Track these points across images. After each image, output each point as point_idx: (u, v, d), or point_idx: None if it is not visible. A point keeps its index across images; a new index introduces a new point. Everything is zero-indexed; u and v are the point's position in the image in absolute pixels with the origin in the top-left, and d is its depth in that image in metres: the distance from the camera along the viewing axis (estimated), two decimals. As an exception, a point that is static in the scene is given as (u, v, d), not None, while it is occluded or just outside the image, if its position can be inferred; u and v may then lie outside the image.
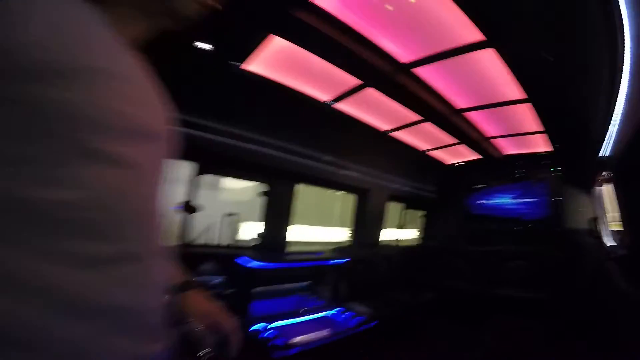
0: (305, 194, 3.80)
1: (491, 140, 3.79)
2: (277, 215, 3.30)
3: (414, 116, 3.08)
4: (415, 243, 5.77)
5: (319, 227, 7.74)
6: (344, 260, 3.41)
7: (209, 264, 2.68)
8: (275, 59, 2.21)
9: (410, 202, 5.31)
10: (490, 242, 4.73)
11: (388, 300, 3.73)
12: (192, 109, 2.38)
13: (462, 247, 4.83)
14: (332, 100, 2.79)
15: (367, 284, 3.91)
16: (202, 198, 2.86)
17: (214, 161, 2.85)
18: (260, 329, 2.48)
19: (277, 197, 3.29)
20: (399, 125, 3.31)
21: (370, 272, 3.96)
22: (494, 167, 4.85)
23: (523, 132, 3.51)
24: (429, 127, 3.31)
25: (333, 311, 3.20)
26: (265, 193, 3.25)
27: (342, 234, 6.91)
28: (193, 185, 2.76)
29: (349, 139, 3.50)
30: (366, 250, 4.14)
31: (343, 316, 3.10)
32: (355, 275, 3.47)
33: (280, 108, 2.81)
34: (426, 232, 5.72)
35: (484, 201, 5.17)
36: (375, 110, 2.99)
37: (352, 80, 2.46)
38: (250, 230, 3.74)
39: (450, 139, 3.70)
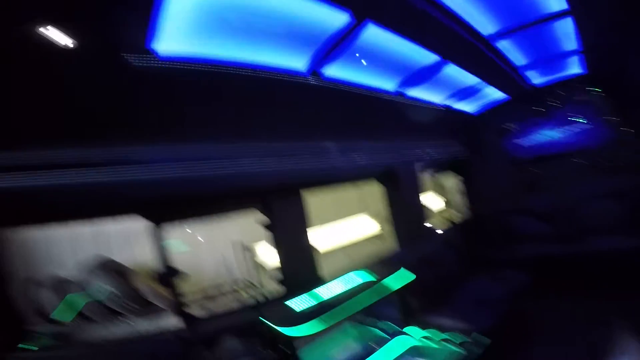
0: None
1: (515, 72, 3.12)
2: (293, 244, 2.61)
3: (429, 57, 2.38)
4: (468, 216, 4.98)
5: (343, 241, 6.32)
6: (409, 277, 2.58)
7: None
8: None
9: (446, 168, 4.66)
10: (554, 186, 4.11)
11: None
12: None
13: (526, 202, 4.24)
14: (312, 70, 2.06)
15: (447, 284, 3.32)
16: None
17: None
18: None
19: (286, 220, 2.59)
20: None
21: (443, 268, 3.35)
22: (526, 101, 4.20)
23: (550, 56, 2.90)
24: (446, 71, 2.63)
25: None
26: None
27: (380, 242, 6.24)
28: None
29: (347, 112, 2.78)
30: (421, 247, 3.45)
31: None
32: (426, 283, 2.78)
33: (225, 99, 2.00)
34: (475, 198, 4.96)
35: (526, 141, 4.45)
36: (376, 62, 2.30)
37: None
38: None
39: (472, 80, 3.00)
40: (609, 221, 3.60)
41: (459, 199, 5.13)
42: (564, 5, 1.99)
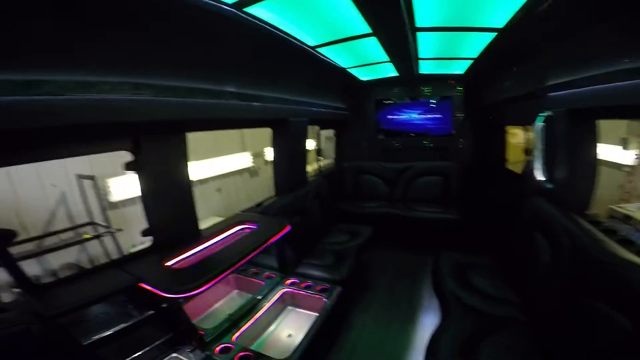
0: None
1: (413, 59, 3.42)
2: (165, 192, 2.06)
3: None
4: (333, 166, 5.56)
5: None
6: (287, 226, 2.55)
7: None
8: None
9: (326, 123, 4.93)
10: (402, 158, 5.03)
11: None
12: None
13: (376, 164, 5.09)
14: None
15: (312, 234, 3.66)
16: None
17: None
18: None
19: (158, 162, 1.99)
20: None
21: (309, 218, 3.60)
22: (406, 84, 4.82)
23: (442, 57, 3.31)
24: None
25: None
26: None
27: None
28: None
29: (257, 56, 2.42)
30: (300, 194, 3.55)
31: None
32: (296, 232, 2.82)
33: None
34: (344, 153, 5.54)
35: (394, 116, 5.16)
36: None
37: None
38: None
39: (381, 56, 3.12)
40: (429, 193, 4.77)
41: (331, 153, 5.64)
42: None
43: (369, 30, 2.26)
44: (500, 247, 3.07)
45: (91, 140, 1.67)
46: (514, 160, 4.14)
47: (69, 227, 3.49)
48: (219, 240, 2.39)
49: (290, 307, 2.79)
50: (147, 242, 2.09)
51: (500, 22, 2.02)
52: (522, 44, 2.39)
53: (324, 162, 5.31)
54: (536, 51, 2.42)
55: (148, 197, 1.94)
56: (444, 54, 3.12)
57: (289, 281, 2.84)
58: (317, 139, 5.18)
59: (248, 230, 2.51)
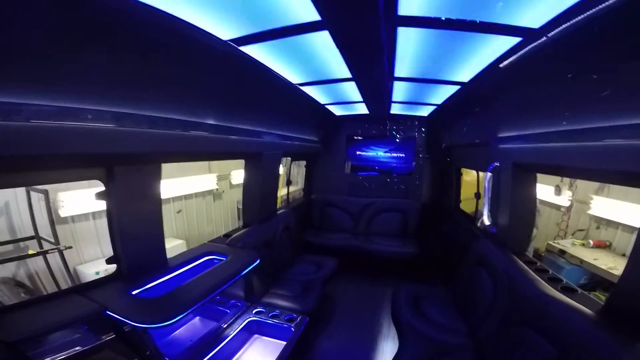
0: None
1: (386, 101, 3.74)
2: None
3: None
4: (301, 196, 5.70)
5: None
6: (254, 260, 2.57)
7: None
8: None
9: (298, 155, 5.08)
10: (366, 193, 5.30)
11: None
12: None
13: (343, 198, 5.27)
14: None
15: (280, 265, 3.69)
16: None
17: None
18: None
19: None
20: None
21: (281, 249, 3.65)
22: (376, 122, 5.20)
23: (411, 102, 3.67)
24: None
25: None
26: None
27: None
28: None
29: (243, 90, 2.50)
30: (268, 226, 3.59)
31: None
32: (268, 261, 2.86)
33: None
34: (313, 185, 5.69)
35: (362, 152, 5.48)
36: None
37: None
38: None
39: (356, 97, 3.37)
40: (389, 228, 5.04)
41: (301, 184, 5.79)
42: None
43: (349, 75, 2.48)
44: (452, 281, 3.35)
45: (64, 168, 1.62)
46: (467, 197, 4.52)
47: (9, 240, 3.17)
48: (186, 271, 2.38)
49: (256, 336, 2.76)
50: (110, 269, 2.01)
51: (465, 77, 2.35)
52: (480, 98, 2.72)
53: (293, 188, 5.42)
54: (491, 105, 2.76)
55: (116, 226, 1.88)
56: (413, 99, 3.45)
57: (255, 310, 2.82)
58: (288, 168, 5.30)
59: (216, 262, 2.50)
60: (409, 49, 1.92)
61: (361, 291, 4.42)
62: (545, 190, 4.66)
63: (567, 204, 4.48)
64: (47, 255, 3.32)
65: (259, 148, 3.16)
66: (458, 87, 2.60)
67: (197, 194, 5.56)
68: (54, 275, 3.43)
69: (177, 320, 1.70)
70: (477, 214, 3.99)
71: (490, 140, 2.85)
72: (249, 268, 2.44)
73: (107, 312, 1.67)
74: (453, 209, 4.64)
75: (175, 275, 2.25)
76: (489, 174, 2.83)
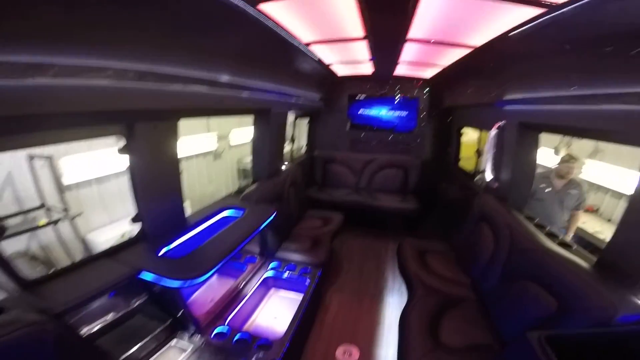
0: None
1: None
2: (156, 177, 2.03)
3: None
4: (305, 155, 5.69)
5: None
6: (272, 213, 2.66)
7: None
8: None
9: (302, 113, 5.04)
10: (368, 150, 5.42)
11: None
12: None
13: (345, 155, 5.42)
14: None
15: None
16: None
17: None
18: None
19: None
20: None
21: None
22: (379, 82, 5.14)
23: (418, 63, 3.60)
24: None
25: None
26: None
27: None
28: None
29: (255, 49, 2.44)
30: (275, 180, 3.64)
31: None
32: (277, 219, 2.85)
33: None
34: (315, 142, 5.71)
35: (364, 111, 5.43)
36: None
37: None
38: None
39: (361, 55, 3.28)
40: (391, 184, 5.17)
41: (304, 141, 5.80)
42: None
43: (362, 34, 2.40)
44: (453, 235, 3.54)
45: (87, 126, 1.60)
46: (466, 156, 4.68)
47: (18, 212, 3.15)
48: (206, 228, 2.44)
49: (273, 290, 2.94)
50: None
51: (478, 42, 2.31)
52: (490, 61, 2.72)
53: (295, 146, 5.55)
54: (500, 69, 2.77)
55: (138, 183, 1.91)
56: (421, 60, 3.39)
57: (271, 265, 2.97)
58: (292, 125, 5.28)
59: (233, 217, 2.58)
60: (430, 11, 1.85)
61: (365, 246, 4.66)
62: (539, 152, 4.80)
63: (556, 165, 4.62)
64: (59, 225, 3.33)
65: (268, 104, 3.17)
66: (468, 50, 2.58)
67: (198, 154, 5.57)
68: (66, 245, 3.47)
69: (207, 277, 1.79)
70: (476, 172, 4.15)
71: (497, 102, 2.91)
72: (267, 221, 2.53)
73: (141, 274, 1.72)
74: (453, 166, 4.76)
75: (196, 234, 2.32)
76: (493, 132, 2.93)
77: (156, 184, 2.00)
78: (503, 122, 2.84)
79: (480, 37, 2.20)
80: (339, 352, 2.67)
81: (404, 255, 3.24)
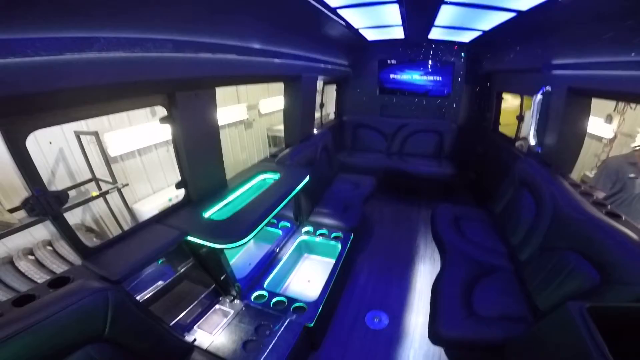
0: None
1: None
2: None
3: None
4: (335, 120, 5.63)
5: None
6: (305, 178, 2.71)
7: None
8: None
9: (331, 79, 4.96)
10: (400, 115, 5.30)
11: None
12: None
13: (376, 119, 5.33)
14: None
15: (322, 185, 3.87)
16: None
17: None
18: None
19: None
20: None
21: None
22: (412, 47, 4.89)
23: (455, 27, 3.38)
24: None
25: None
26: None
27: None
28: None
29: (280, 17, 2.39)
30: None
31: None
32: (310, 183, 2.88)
33: None
34: (344, 108, 5.64)
35: (396, 76, 5.23)
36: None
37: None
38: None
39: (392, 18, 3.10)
40: (424, 149, 5.04)
41: (333, 108, 5.74)
42: None
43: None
44: (490, 202, 3.43)
45: (129, 97, 1.67)
46: (505, 123, 4.43)
47: (71, 185, 3.43)
48: (245, 191, 2.55)
49: (306, 255, 3.06)
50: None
51: (525, 5, 2.11)
52: (536, 25, 2.51)
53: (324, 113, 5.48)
54: (548, 33, 2.55)
55: (181, 150, 1.99)
56: (457, 24, 3.17)
57: (304, 229, 3.07)
58: (322, 91, 5.25)
59: (270, 180, 2.68)
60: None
61: (397, 211, 4.66)
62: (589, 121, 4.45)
63: (611, 135, 4.24)
64: (107, 197, 3.58)
65: (298, 70, 3.16)
66: (512, 14, 2.37)
67: (230, 124, 5.69)
68: (116, 217, 3.76)
69: (248, 239, 1.87)
70: (517, 138, 3.96)
71: (543, 67, 2.75)
72: (302, 184, 2.60)
73: (188, 237, 1.82)
74: (492, 131, 4.53)
75: (236, 197, 2.42)
76: (539, 96, 2.76)
77: (198, 150, 2.08)
78: (548, 87, 2.69)
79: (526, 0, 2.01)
80: (369, 317, 2.77)
81: (439, 221, 3.19)
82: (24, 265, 2.77)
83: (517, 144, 3.75)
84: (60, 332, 1.16)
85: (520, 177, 2.90)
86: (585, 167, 4.59)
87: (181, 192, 2.16)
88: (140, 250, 1.66)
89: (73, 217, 3.50)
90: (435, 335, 1.99)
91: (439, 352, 2.42)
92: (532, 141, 2.93)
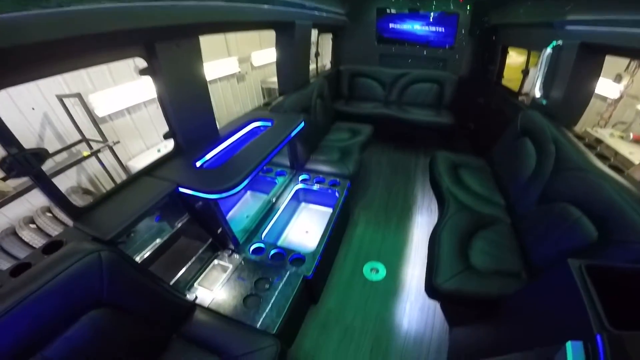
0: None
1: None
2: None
3: None
4: (331, 69, 5.39)
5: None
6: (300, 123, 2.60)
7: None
8: None
9: (326, 27, 4.65)
10: (399, 65, 5.09)
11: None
12: None
13: (374, 68, 5.12)
14: None
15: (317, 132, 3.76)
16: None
17: None
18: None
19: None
20: None
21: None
22: None
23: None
24: None
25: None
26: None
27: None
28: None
29: None
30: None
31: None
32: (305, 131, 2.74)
33: None
34: (341, 57, 5.38)
35: (395, 25, 4.92)
36: None
37: None
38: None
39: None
40: (423, 98, 4.90)
41: (330, 56, 5.45)
42: None
43: None
44: (489, 152, 3.36)
45: (105, 49, 1.52)
46: (508, 78, 4.29)
47: (61, 148, 3.35)
48: (238, 139, 2.45)
49: (304, 204, 3.05)
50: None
51: None
52: None
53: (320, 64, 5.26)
54: None
55: (166, 101, 1.88)
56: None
57: (300, 177, 3.01)
58: (317, 40, 5.04)
59: (263, 128, 2.56)
60: None
61: (395, 160, 4.63)
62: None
63: (617, 95, 4.14)
64: (100, 156, 3.52)
65: (292, 17, 2.95)
66: None
67: (221, 78, 5.55)
68: (111, 175, 3.72)
69: (242, 188, 1.79)
70: (520, 92, 3.86)
71: (556, 22, 2.66)
72: (297, 130, 2.51)
73: (180, 188, 1.75)
74: (495, 84, 4.36)
75: (228, 145, 2.33)
76: (548, 50, 2.70)
77: (185, 100, 1.96)
78: (559, 41, 2.60)
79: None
80: (366, 268, 2.83)
81: (437, 168, 3.14)
82: (27, 235, 2.79)
83: (520, 98, 3.68)
84: (57, 299, 1.13)
85: (523, 126, 2.82)
86: (586, 124, 4.54)
87: (171, 143, 2.08)
88: (131, 206, 1.60)
89: (69, 180, 3.50)
90: (431, 288, 2.00)
91: (434, 306, 2.48)
92: (537, 94, 2.88)
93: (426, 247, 2.40)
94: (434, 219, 3.35)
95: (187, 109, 2.01)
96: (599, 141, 4.01)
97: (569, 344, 0.86)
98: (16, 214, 2.99)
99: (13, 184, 2.72)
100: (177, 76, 1.86)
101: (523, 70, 3.85)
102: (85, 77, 3.43)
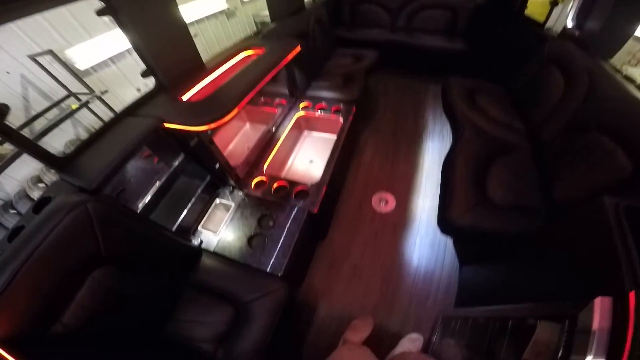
0: None
1: None
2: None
3: None
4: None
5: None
6: None
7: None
8: None
9: None
10: None
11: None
12: None
13: None
14: None
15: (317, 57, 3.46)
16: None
17: None
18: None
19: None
20: None
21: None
22: None
23: None
24: None
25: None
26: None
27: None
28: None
29: None
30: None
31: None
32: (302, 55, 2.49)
33: None
34: None
35: None
36: None
37: None
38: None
39: None
40: (435, 25, 4.40)
41: None
42: None
43: None
44: (510, 79, 3.02)
45: None
46: (531, 12, 3.68)
47: (49, 105, 3.20)
48: (227, 70, 2.21)
49: (306, 132, 2.88)
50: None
51: None
52: None
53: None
54: None
55: (135, 39, 1.64)
56: None
57: (301, 105, 2.80)
58: None
59: (255, 56, 2.29)
60: None
61: (403, 85, 4.32)
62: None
63: None
64: (91, 107, 3.39)
65: None
66: None
67: (209, 17, 5.13)
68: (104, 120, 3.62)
69: (233, 115, 1.64)
70: (546, 22, 3.33)
71: None
72: (292, 54, 2.28)
73: (165, 124, 1.60)
74: (517, 13, 3.79)
75: (217, 76, 2.11)
76: None
77: (157, 33, 1.72)
78: None
79: None
80: (375, 199, 2.71)
81: (451, 93, 2.87)
82: (37, 195, 2.78)
83: (547, 27, 3.21)
84: (53, 260, 1.04)
85: (551, 55, 2.48)
86: (616, 62, 4.01)
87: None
88: (115, 149, 1.45)
89: (65, 134, 3.45)
90: (445, 222, 1.85)
91: (444, 241, 2.38)
92: (570, 24, 2.51)
93: (438, 176, 2.24)
94: (446, 145, 3.13)
95: (163, 45, 1.77)
96: (628, 79, 3.62)
97: (597, 301, 0.72)
98: (23, 176, 2.99)
99: (10, 146, 2.64)
100: (143, 10, 1.59)
101: (552, 1, 3.35)
102: (55, 34, 3.19)
